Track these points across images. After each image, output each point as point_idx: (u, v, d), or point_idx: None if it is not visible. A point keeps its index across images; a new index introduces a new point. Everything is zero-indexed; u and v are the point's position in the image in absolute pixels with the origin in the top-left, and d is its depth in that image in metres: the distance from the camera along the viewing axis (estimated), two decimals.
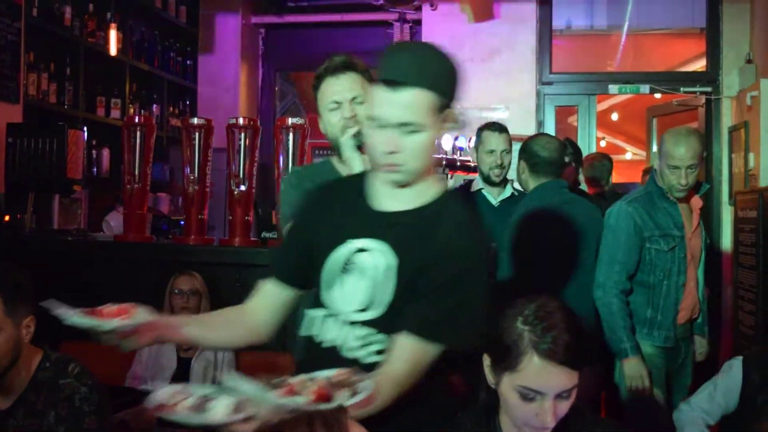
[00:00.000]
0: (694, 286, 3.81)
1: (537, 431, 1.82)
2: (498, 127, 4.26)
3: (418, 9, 8.00)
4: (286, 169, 4.44)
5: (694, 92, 7.67)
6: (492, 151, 4.17)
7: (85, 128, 5.29)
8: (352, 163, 2.45)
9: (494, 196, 4.25)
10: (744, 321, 5.16)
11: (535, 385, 1.78)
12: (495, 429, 1.93)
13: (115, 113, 6.70)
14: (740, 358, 3.09)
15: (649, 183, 3.82)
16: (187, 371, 4.11)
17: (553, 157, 3.85)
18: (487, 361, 1.90)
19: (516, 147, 4.31)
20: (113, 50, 6.32)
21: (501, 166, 4.18)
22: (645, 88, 7.78)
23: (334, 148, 2.59)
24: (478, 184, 4.31)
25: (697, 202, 3.85)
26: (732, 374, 3.05)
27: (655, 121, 8.64)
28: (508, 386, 1.83)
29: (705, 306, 3.95)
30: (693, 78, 7.94)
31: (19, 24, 5.23)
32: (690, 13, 8.05)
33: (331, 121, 2.62)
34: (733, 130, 7.28)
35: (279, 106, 9.33)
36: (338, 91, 2.63)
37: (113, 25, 6.29)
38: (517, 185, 4.32)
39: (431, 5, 7.77)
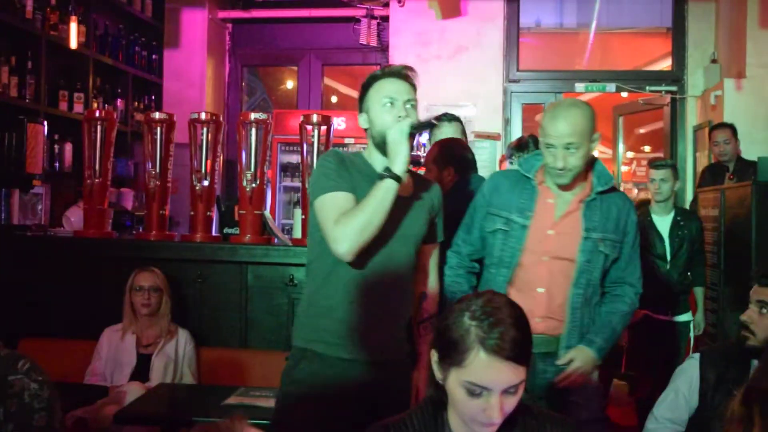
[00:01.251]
0: (559, 294, 3.07)
1: (484, 427, 1.81)
2: (449, 117, 4.26)
3: (386, 5, 8.01)
4: (249, 165, 4.41)
5: (660, 91, 7.74)
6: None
7: (46, 122, 5.22)
8: (398, 149, 2.66)
9: None
10: (706, 319, 5.18)
11: (482, 380, 1.77)
12: (443, 425, 1.91)
13: (78, 107, 6.60)
14: (696, 355, 3.09)
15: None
16: (147, 367, 4.07)
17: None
18: (434, 356, 1.88)
19: (481, 144, 4.34)
20: (74, 43, 6.23)
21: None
22: (611, 87, 7.84)
23: (375, 142, 2.81)
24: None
25: (583, 194, 3.11)
26: (690, 373, 3.05)
27: (621, 119, 8.71)
28: (455, 382, 1.81)
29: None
30: (659, 77, 8.02)
31: None
32: (657, 13, 8.12)
33: (381, 116, 2.80)
34: (697, 129, 7.35)
35: (247, 101, 9.29)
36: (396, 90, 2.84)
37: (74, 18, 6.20)
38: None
39: (399, 2, 7.77)
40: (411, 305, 2.90)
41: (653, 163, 5.21)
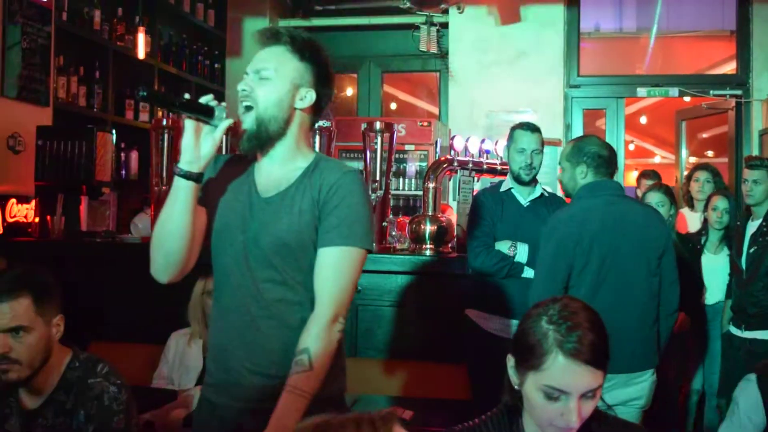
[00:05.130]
0: None
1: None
2: (530, 127, 4.25)
3: (445, 12, 8.00)
4: None
5: (724, 95, 7.62)
6: (522, 150, 4.16)
7: (114, 131, 5.32)
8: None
9: (524, 196, 4.24)
10: None
11: (560, 384, 1.77)
12: (519, 430, 1.92)
13: (144, 116, 6.75)
14: (753, 376, 3.01)
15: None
16: None
17: (602, 161, 3.73)
18: (511, 361, 1.89)
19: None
20: (141, 54, 6.37)
21: (531, 166, 4.17)
22: (674, 91, 7.73)
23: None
24: (507, 183, 4.30)
25: None
26: (750, 392, 2.98)
27: (684, 124, 8.59)
28: (532, 386, 1.82)
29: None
30: (722, 81, 7.88)
31: (49, 28, 5.28)
32: (720, 16, 8.00)
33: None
34: (763, 133, 7.21)
35: None
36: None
37: (141, 28, 6.33)
38: (547, 187, 4.32)
39: (458, 8, 7.76)
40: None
41: (748, 163, 4.94)
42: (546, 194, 4.30)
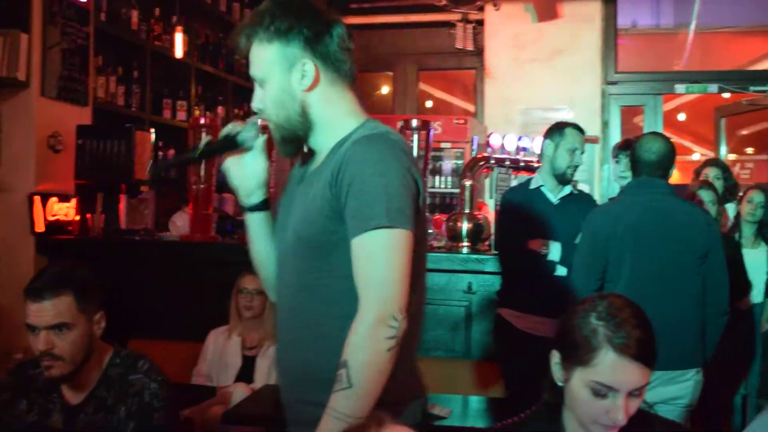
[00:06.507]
0: None
1: (606, 429, 1.79)
2: (580, 128, 4.25)
3: (481, 9, 7.97)
4: None
5: (764, 91, 7.50)
6: (575, 150, 4.15)
7: (152, 130, 5.36)
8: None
9: (554, 194, 4.23)
10: None
11: (609, 380, 1.76)
12: (559, 428, 1.90)
13: (181, 115, 6.79)
14: None
15: None
16: (252, 369, 4.14)
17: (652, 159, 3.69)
18: (555, 357, 1.87)
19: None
20: (179, 53, 6.41)
21: (577, 166, 4.19)
22: (713, 88, 7.63)
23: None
24: (537, 181, 4.28)
25: None
26: None
27: (723, 121, 8.48)
28: (579, 382, 1.80)
29: None
30: (763, 76, 7.77)
31: (88, 29, 5.33)
32: (759, 10, 7.90)
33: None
34: None
35: None
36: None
37: (179, 28, 6.37)
38: (584, 185, 4.33)
39: (494, 5, 7.74)
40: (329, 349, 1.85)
41: None
42: (575, 192, 4.29)
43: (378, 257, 1.79)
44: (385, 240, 1.78)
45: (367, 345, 1.74)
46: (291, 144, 2.00)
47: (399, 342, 1.76)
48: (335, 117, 1.97)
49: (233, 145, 2.05)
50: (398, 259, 1.79)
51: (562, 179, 4.18)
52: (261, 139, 2.06)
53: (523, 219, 4.15)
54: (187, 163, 2.67)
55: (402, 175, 1.83)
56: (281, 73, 1.93)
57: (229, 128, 2.06)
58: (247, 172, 2.07)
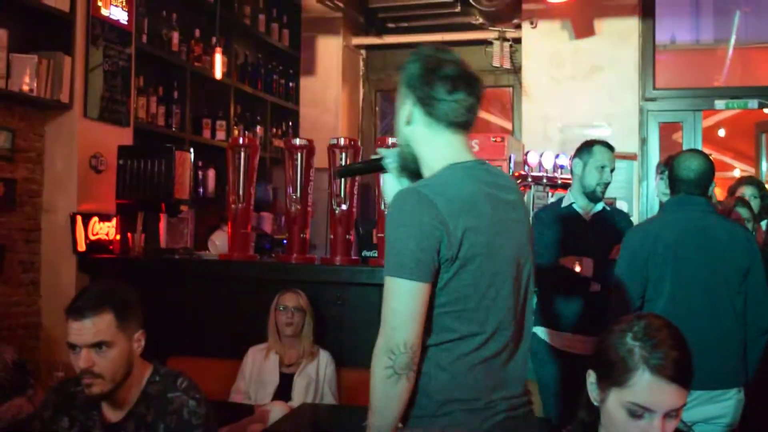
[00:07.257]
0: None
1: None
2: (609, 145, 4.25)
3: (518, 27, 7.98)
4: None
5: None
6: (603, 167, 4.15)
7: (192, 149, 5.43)
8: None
9: (586, 211, 4.23)
10: None
11: (646, 401, 1.75)
12: None
13: (220, 135, 6.87)
14: None
15: None
16: (290, 387, 4.16)
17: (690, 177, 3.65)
18: (591, 377, 1.87)
19: (618, 164, 4.30)
20: (218, 74, 6.49)
21: (607, 183, 4.18)
22: (753, 103, 7.55)
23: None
24: (569, 198, 4.28)
25: None
26: None
27: (764, 136, 8.37)
28: (615, 402, 1.79)
29: None
30: None
31: (129, 50, 5.42)
32: None
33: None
34: None
35: (380, 125, 9.39)
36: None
37: (218, 49, 6.46)
38: (623, 202, 4.32)
39: (531, 23, 7.74)
40: None
41: None
42: (608, 208, 4.29)
43: (385, 299, 2.06)
44: (388, 286, 2.06)
45: (373, 371, 2.05)
46: (404, 172, 2.34)
47: (400, 371, 2.01)
48: (435, 158, 2.21)
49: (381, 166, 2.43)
50: (398, 303, 2.03)
51: (593, 197, 4.18)
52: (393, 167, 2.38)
53: (555, 237, 4.15)
54: (370, 171, 2.97)
55: (416, 230, 2.03)
56: (400, 109, 2.26)
57: (380, 153, 2.43)
58: (385, 188, 2.41)
